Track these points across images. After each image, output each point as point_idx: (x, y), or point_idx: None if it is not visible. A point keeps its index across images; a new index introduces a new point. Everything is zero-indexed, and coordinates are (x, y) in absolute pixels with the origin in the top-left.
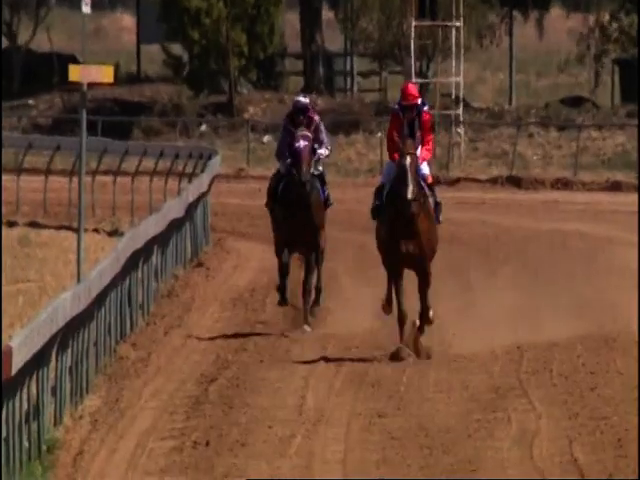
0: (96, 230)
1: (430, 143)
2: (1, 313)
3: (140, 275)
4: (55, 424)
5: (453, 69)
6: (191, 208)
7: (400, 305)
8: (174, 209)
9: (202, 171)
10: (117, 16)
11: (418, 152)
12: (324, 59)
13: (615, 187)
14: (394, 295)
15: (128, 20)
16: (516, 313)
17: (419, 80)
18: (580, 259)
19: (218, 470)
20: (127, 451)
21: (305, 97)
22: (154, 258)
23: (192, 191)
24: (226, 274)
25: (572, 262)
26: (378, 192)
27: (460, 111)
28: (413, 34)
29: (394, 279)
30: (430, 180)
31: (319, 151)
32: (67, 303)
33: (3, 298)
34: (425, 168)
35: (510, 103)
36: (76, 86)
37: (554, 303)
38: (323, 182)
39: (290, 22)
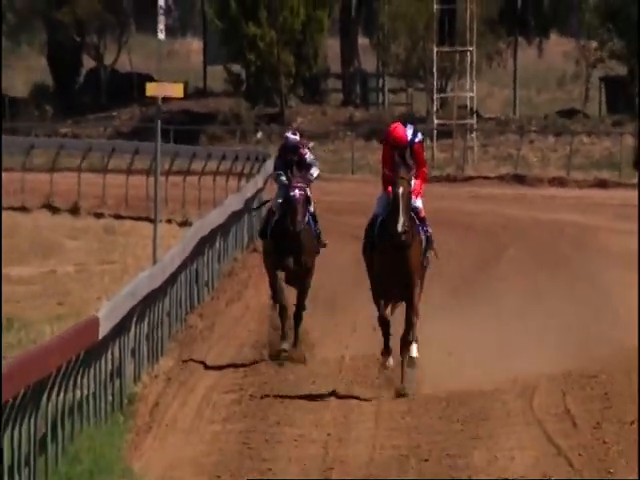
0: (169, 221)
1: (424, 175)
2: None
3: (206, 258)
4: (134, 381)
5: (467, 86)
6: (248, 202)
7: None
8: (234, 203)
9: (258, 171)
10: (187, 41)
11: (412, 182)
12: (360, 78)
13: (602, 184)
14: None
15: (196, 44)
16: (518, 284)
17: (439, 95)
18: (573, 243)
19: (271, 419)
20: (195, 403)
21: (295, 134)
22: (217, 244)
23: (249, 188)
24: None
25: (567, 245)
26: (370, 226)
27: (473, 120)
28: (435, 57)
29: (382, 318)
30: (422, 214)
31: (312, 173)
32: (145, 281)
33: (91, 275)
34: (419, 202)
35: (515, 114)
36: (152, 100)
37: (552, 276)
38: (315, 221)
39: (331, 47)
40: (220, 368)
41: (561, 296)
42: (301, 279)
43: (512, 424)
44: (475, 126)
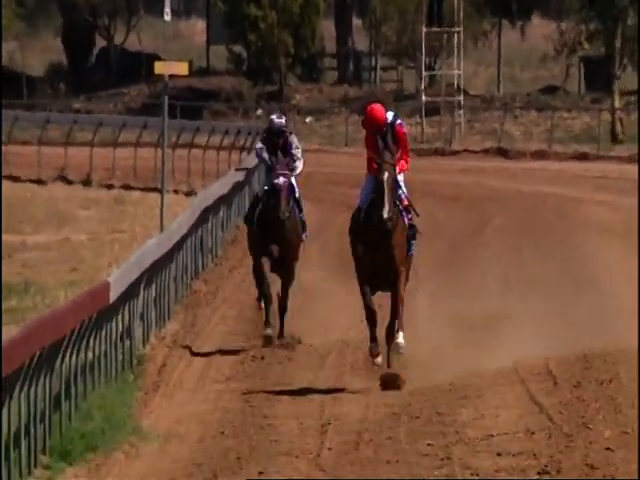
0: (175, 191)
1: (408, 156)
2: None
3: (210, 226)
4: (143, 343)
5: (454, 64)
6: (249, 174)
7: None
8: (236, 175)
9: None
10: (191, 22)
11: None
12: (354, 57)
13: (582, 157)
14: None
15: (200, 25)
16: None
17: (428, 73)
18: (555, 213)
19: (271, 379)
20: (200, 364)
21: (280, 117)
22: (221, 213)
23: (250, 161)
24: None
25: (549, 215)
26: (353, 220)
27: (460, 97)
28: (424, 38)
29: (365, 297)
30: (405, 202)
31: (295, 166)
32: (152, 248)
33: (102, 243)
34: (403, 188)
35: (499, 91)
36: (159, 78)
37: (535, 244)
38: (300, 209)
39: (327, 28)
40: (223, 331)
41: (543, 263)
42: (285, 267)
43: (498, 384)
44: (462, 103)
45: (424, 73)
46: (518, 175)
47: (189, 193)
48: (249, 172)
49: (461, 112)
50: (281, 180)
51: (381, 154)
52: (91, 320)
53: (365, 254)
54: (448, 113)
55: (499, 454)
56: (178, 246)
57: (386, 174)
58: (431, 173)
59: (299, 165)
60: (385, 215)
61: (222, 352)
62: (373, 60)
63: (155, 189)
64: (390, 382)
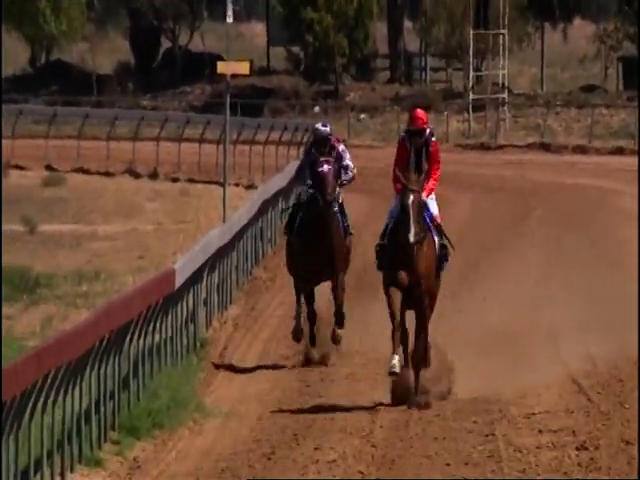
0: (237, 184)
1: (437, 174)
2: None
3: (269, 217)
4: (206, 327)
5: (500, 65)
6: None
7: (401, 347)
8: (294, 169)
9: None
10: (252, 25)
11: (424, 187)
12: (405, 58)
13: (619, 152)
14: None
15: (260, 28)
16: (544, 240)
17: (475, 73)
18: (593, 204)
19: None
20: (259, 346)
21: (325, 126)
22: (279, 205)
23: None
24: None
25: (588, 206)
26: (384, 232)
27: (505, 95)
28: (471, 39)
29: (394, 325)
30: (438, 221)
31: (343, 177)
32: (215, 237)
33: (167, 233)
34: (433, 207)
35: (542, 89)
36: (222, 77)
37: (575, 234)
38: (343, 214)
39: (380, 30)
40: (282, 315)
41: (582, 252)
42: (334, 273)
43: (538, 365)
44: (506, 100)
45: (471, 73)
46: (559, 168)
47: (249, 186)
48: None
49: (506, 109)
50: (325, 167)
51: (408, 176)
52: (157, 305)
53: (392, 271)
54: (493, 110)
55: (540, 431)
56: (239, 235)
57: (411, 197)
58: (477, 166)
59: (351, 173)
60: (411, 239)
61: (280, 335)
62: (423, 61)
63: (217, 182)
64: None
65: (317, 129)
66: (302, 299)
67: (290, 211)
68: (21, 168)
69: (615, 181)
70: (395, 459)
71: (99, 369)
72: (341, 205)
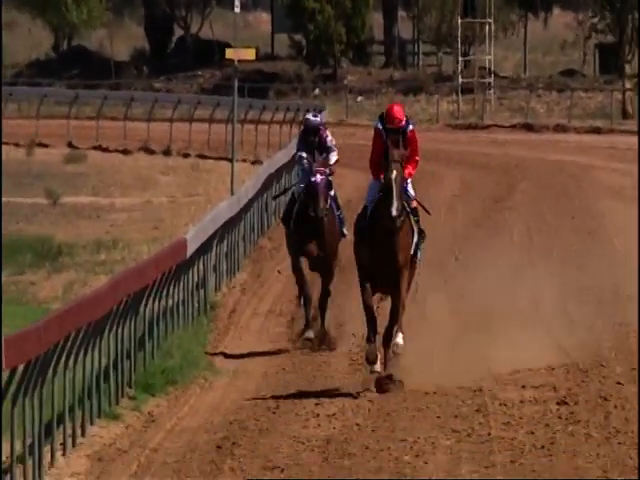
0: (244, 160)
1: (416, 162)
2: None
3: (273, 190)
4: (215, 291)
5: (486, 50)
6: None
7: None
8: (291, 149)
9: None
10: (258, 14)
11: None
12: (399, 44)
13: (596, 131)
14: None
15: (265, 16)
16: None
17: (463, 58)
18: (572, 179)
19: (326, 322)
20: (265, 309)
21: (316, 116)
22: (283, 179)
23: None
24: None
25: (566, 180)
26: (363, 212)
27: (491, 79)
28: (460, 27)
29: (365, 297)
30: (414, 204)
31: (330, 159)
32: (224, 209)
33: (180, 205)
34: (411, 189)
35: (525, 73)
36: (230, 62)
37: (556, 205)
38: (337, 206)
39: (376, 18)
40: (286, 280)
41: (563, 222)
42: (325, 265)
43: (523, 326)
44: (492, 84)
45: (460, 58)
46: (541, 146)
47: (255, 162)
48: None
49: (492, 92)
50: (318, 178)
51: (390, 152)
52: (171, 272)
53: (370, 255)
54: (480, 92)
55: (523, 387)
56: (246, 208)
57: (394, 172)
58: (465, 145)
59: (333, 156)
60: (394, 212)
61: (284, 299)
62: (416, 46)
63: (226, 158)
64: (385, 385)
65: (308, 119)
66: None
67: (287, 202)
68: (45, 146)
69: (593, 157)
70: (389, 412)
71: (117, 330)
72: (335, 197)
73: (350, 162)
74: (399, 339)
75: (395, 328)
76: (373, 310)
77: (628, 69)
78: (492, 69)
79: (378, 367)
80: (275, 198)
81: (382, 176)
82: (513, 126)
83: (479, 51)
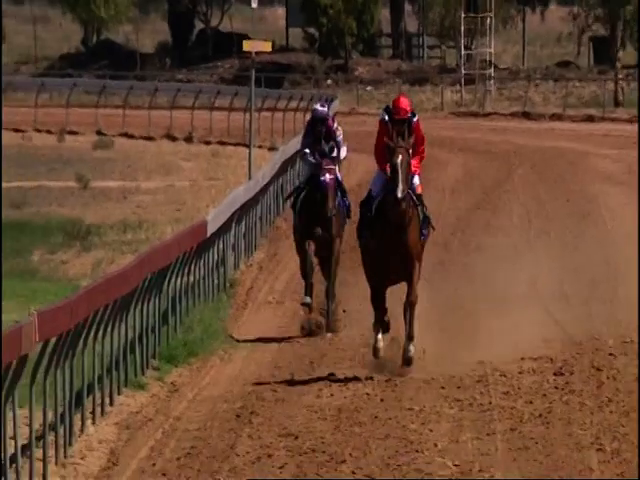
0: (260, 146)
1: (422, 154)
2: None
3: (288, 175)
4: (234, 269)
5: (487, 43)
6: None
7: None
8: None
9: (328, 109)
10: (274, 9)
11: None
12: (405, 37)
13: (590, 119)
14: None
15: (280, 11)
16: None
17: (466, 51)
18: (568, 164)
19: (337, 297)
20: (280, 286)
21: (323, 106)
22: (297, 164)
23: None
24: (346, 172)
25: (562, 165)
26: (364, 205)
27: (492, 70)
28: (462, 21)
29: (377, 294)
30: (419, 190)
31: (340, 155)
32: (242, 192)
33: (201, 188)
34: (416, 178)
35: (523, 65)
36: (248, 54)
37: (552, 188)
38: (344, 193)
39: (384, 13)
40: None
41: (558, 205)
42: (330, 248)
43: (521, 303)
44: (493, 74)
45: (463, 51)
46: (538, 133)
47: (272, 148)
48: None
49: (492, 82)
50: (327, 177)
51: (395, 139)
52: (192, 250)
53: (377, 247)
54: (482, 83)
55: (522, 359)
56: (263, 191)
57: (400, 157)
58: (467, 132)
59: (343, 152)
60: (399, 194)
61: (298, 277)
62: (421, 40)
63: (244, 145)
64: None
65: (315, 109)
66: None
67: (295, 194)
68: (75, 133)
69: (586, 144)
70: (397, 383)
71: (142, 306)
72: (341, 184)
73: (361, 147)
74: (411, 347)
75: (407, 331)
76: (382, 306)
77: (619, 60)
78: (492, 61)
79: (381, 344)
80: (287, 199)
81: (387, 166)
82: (512, 114)
83: (480, 44)
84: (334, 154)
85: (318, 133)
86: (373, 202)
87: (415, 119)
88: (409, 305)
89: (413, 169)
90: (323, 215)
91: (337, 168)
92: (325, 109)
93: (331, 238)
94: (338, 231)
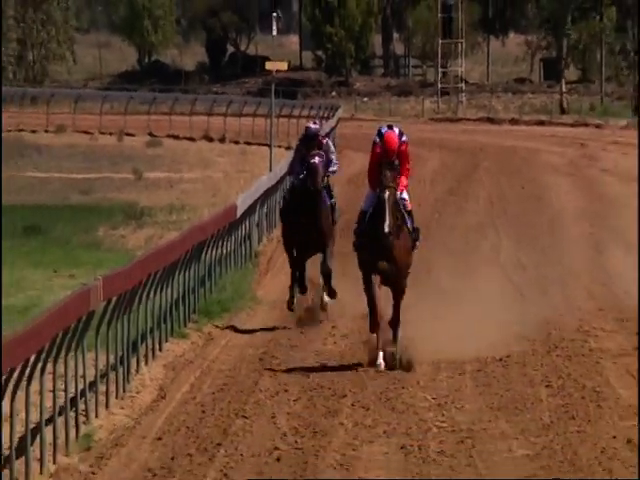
0: (279, 146)
1: (409, 171)
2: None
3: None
4: (258, 243)
5: (459, 63)
6: (327, 134)
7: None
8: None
9: (333, 116)
10: (290, 36)
11: (398, 183)
12: (394, 59)
13: (541, 123)
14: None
15: (295, 38)
16: (486, 175)
17: (442, 69)
18: (523, 159)
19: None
20: None
21: (315, 124)
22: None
23: (328, 126)
24: (346, 166)
25: (518, 160)
26: (361, 217)
27: (463, 85)
28: (439, 46)
29: (369, 292)
30: (409, 207)
31: (330, 169)
32: (264, 181)
33: (232, 179)
34: (405, 194)
35: (488, 81)
36: (269, 72)
37: (510, 179)
38: (331, 195)
39: (376, 39)
40: None
41: (516, 193)
42: (323, 246)
43: (483, 262)
44: (463, 88)
45: (439, 69)
46: (500, 134)
47: (288, 147)
48: (327, 133)
49: (463, 94)
50: (317, 160)
51: (384, 173)
52: (225, 228)
53: (370, 257)
54: (454, 95)
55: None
56: (281, 180)
57: (387, 193)
58: (443, 133)
59: (334, 167)
60: (386, 229)
61: None
62: (407, 60)
63: (266, 144)
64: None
65: (308, 127)
66: (296, 273)
67: (283, 201)
68: (131, 135)
69: (538, 143)
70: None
71: (185, 272)
72: (329, 189)
73: (359, 147)
74: (399, 333)
75: (392, 333)
76: (376, 302)
77: (564, 77)
78: (463, 77)
79: (382, 362)
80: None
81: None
82: (479, 119)
83: (454, 64)
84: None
85: (310, 147)
86: (365, 216)
87: (404, 139)
88: (397, 303)
89: (401, 188)
90: (312, 193)
91: (327, 176)
92: (317, 126)
93: (324, 240)
94: (329, 229)
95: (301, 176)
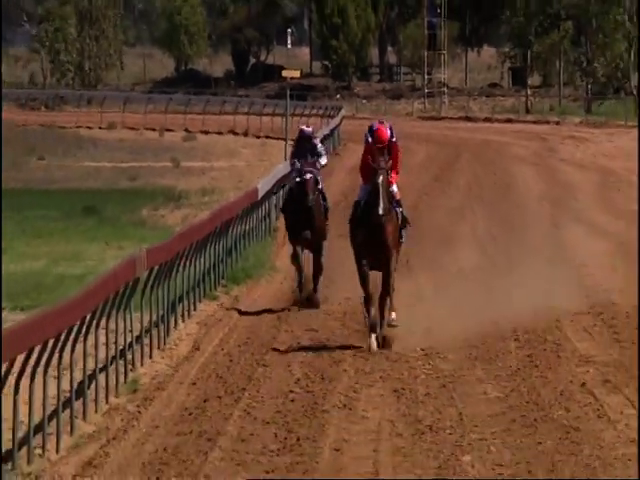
0: (292, 139)
1: (398, 168)
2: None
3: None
4: (276, 220)
5: (442, 71)
6: (333, 130)
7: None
8: (325, 131)
9: (337, 115)
10: (302, 48)
11: (390, 167)
12: (387, 67)
13: (510, 121)
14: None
15: (306, 50)
16: (468, 163)
17: (428, 76)
18: (495, 151)
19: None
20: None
21: (308, 127)
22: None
23: (333, 123)
24: (348, 157)
25: (492, 152)
26: (356, 206)
27: (445, 89)
28: (426, 56)
29: (363, 278)
30: (398, 197)
31: (320, 161)
32: (281, 169)
33: (254, 167)
34: (394, 187)
35: (466, 85)
36: (284, 79)
37: (485, 168)
38: (324, 198)
39: (374, 51)
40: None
41: (490, 179)
42: (316, 243)
43: (468, 241)
44: (446, 91)
45: (426, 76)
46: (476, 131)
47: None
48: (332, 129)
49: (445, 97)
50: (307, 176)
51: (377, 161)
52: (248, 208)
53: (363, 240)
54: (438, 97)
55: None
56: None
57: (381, 177)
58: (429, 129)
59: (324, 159)
60: (380, 212)
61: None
62: (399, 69)
63: (282, 138)
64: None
65: (302, 130)
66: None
67: (285, 195)
68: (171, 130)
69: (507, 137)
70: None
71: (214, 245)
72: (321, 190)
73: (359, 140)
74: (393, 316)
75: (388, 306)
76: (369, 287)
77: (529, 82)
78: (445, 82)
79: (374, 344)
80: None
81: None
82: (459, 118)
83: (437, 72)
84: (317, 165)
85: (305, 148)
86: (360, 205)
87: (394, 139)
88: (386, 284)
89: (392, 180)
90: (308, 213)
91: (319, 172)
92: (310, 129)
93: (317, 235)
94: (322, 228)
95: (297, 179)
